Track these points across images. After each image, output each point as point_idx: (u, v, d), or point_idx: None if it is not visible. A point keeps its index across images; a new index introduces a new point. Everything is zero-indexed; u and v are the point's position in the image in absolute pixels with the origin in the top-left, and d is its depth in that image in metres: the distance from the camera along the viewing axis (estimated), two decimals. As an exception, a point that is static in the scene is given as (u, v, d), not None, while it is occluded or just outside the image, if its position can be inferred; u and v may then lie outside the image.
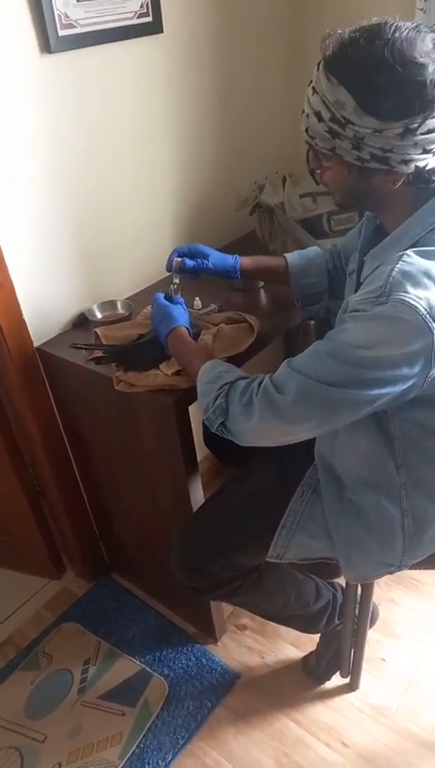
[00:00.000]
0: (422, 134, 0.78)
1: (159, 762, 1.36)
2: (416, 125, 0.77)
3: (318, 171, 0.92)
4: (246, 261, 1.30)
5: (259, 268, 1.31)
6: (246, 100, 1.72)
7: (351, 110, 0.79)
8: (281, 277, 1.29)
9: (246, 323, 1.31)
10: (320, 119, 0.83)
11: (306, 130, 0.87)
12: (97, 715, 1.46)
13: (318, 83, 0.82)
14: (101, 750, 1.39)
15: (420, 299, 0.77)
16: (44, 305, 1.37)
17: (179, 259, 1.25)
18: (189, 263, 1.25)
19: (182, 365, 1.14)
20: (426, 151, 0.80)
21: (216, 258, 1.28)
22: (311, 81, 0.84)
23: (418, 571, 1.69)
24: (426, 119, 0.77)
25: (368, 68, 0.77)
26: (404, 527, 1.03)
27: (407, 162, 0.81)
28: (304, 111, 0.86)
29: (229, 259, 1.29)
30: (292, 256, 1.29)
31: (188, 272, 1.26)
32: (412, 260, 0.81)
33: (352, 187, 0.89)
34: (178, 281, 1.25)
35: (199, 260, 1.26)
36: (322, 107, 0.82)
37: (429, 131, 0.78)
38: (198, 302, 1.41)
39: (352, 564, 1.09)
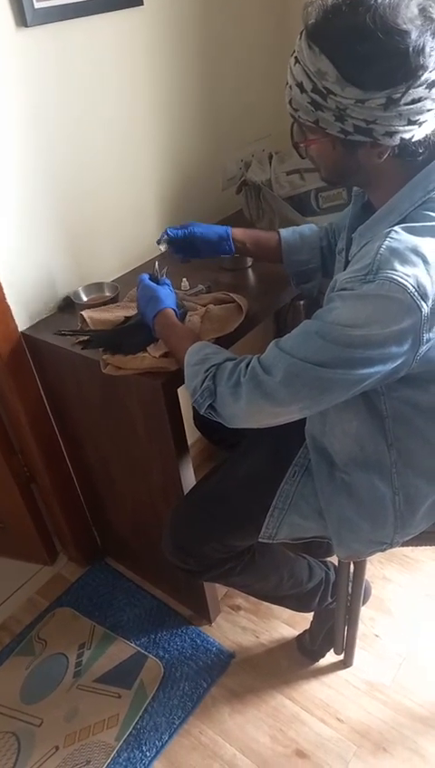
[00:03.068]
0: (406, 104, 0.76)
1: (156, 742, 1.37)
2: (399, 95, 0.75)
3: (302, 145, 0.90)
4: (237, 231, 1.26)
5: (252, 239, 1.27)
6: (231, 77, 1.68)
7: (333, 80, 0.76)
8: (273, 252, 1.26)
9: (234, 304, 1.29)
10: (302, 90, 0.80)
11: (290, 102, 0.84)
12: (93, 698, 1.47)
13: (300, 53, 0.79)
14: (98, 732, 1.40)
15: (409, 276, 0.76)
16: (29, 289, 1.35)
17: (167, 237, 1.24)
18: (174, 232, 1.23)
19: (169, 347, 1.12)
20: (411, 122, 0.78)
21: (204, 227, 1.25)
22: (294, 51, 0.82)
23: (410, 548, 1.72)
24: (409, 88, 0.74)
25: (350, 36, 0.75)
26: (396, 505, 1.03)
27: (392, 134, 0.79)
28: (287, 83, 0.84)
29: (220, 228, 1.25)
30: (285, 232, 1.26)
31: (176, 244, 1.23)
32: (400, 236, 0.79)
33: (338, 161, 0.87)
34: (163, 248, 1.22)
35: (187, 229, 1.24)
36: (304, 77, 0.80)
37: (413, 101, 0.75)
38: (185, 283, 1.39)
39: (344, 543, 1.09)
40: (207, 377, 0.95)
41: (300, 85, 0.80)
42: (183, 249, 1.27)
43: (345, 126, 0.80)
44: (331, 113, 0.79)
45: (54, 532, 1.80)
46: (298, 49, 0.80)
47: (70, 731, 1.41)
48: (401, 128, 0.78)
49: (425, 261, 0.77)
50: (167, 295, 1.16)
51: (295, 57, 0.81)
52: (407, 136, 0.79)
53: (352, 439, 1.01)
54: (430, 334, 0.79)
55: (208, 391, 0.95)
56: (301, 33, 0.79)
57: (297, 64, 0.80)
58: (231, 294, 1.30)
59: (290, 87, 0.83)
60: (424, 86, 0.75)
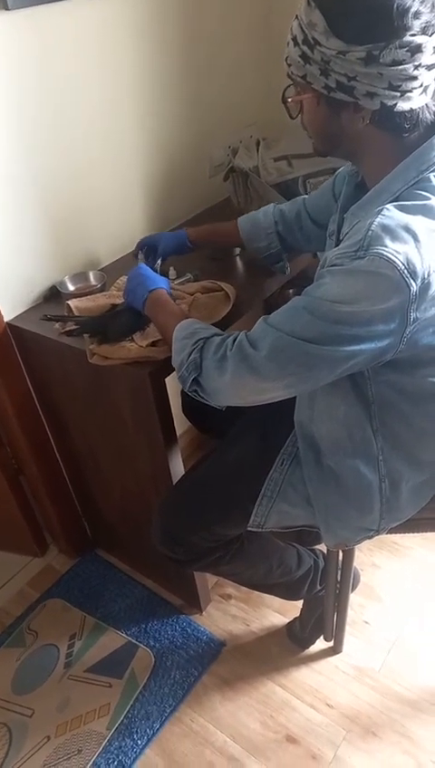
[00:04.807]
0: (386, 65, 0.76)
1: (147, 730, 1.37)
2: (378, 51, 0.76)
3: (290, 100, 0.90)
4: (192, 230, 1.35)
5: (209, 234, 1.36)
6: (219, 64, 1.66)
7: (321, 30, 0.78)
8: (236, 241, 1.33)
9: (222, 292, 1.28)
10: (296, 43, 0.82)
11: (286, 59, 0.86)
12: (84, 687, 1.47)
13: (300, 9, 0.82)
14: (90, 721, 1.40)
15: (399, 253, 0.76)
16: (13, 278, 1.33)
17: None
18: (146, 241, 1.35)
19: (158, 325, 1.11)
20: (392, 87, 0.78)
21: (166, 236, 1.34)
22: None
23: (399, 535, 1.73)
24: (389, 46, 0.75)
25: None
26: (382, 491, 1.03)
27: (372, 96, 0.79)
28: (287, 41, 0.85)
29: (178, 233, 1.34)
30: (242, 222, 1.32)
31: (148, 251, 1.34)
32: (392, 214, 0.79)
33: (323, 123, 0.88)
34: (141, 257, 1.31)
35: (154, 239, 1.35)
36: (298, 31, 0.82)
37: (393, 63, 0.76)
38: (172, 272, 1.38)
39: (331, 530, 1.09)
40: (193, 350, 0.95)
41: (294, 39, 0.82)
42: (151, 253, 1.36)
43: (329, 81, 0.81)
44: (317, 67, 0.81)
45: (44, 523, 1.79)
46: (299, 7, 0.82)
47: (61, 721, 1.41)
48: (381, 90, 0.78)
49: (416, 239, 0.77)
50: (161, 278, 1.16)
51: (296, 15, 0.82)
52: (388, 102, 0.79)
53: (340, 425, 1.01)
54: (418, 314, 0.79)
55: (194, 364, 0.94)
56: None
57: (295, 20, 0.82)
58: (219, 283, 1.30)
59: (287, 43, 0.85)
60: (406, 49, 0.75)
